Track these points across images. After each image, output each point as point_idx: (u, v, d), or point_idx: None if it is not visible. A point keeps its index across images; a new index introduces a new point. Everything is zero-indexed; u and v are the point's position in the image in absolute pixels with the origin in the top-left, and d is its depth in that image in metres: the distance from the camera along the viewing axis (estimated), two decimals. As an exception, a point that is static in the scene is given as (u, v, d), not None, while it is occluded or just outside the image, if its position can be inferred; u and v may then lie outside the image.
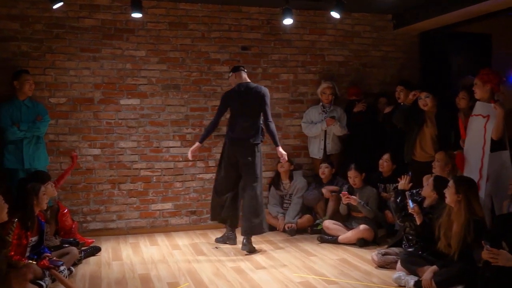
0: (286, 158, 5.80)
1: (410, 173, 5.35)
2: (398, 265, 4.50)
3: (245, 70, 5.76)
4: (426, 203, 4.77)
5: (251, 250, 5.43)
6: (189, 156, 5.65)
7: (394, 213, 5.07)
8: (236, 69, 5.75)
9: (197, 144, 5.64)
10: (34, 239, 4.45)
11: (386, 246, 5.54)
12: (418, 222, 4.57)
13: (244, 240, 5.49)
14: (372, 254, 4.93)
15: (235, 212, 5.78)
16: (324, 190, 6.31)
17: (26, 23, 5.96)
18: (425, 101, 5.68)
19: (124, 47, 6.30)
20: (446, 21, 6.68)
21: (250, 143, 5.53)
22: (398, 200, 4.98)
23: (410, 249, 4.66)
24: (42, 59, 6.04)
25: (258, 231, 5.52)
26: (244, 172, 5.58)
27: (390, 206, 5.92)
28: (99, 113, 6.25)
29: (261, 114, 5.59)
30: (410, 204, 4.68)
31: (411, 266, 4.32)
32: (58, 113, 6.11)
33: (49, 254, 4.47)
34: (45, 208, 4.58)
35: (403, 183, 5.07)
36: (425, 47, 7.39)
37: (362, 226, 5.65)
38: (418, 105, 5.75)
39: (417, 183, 5.26)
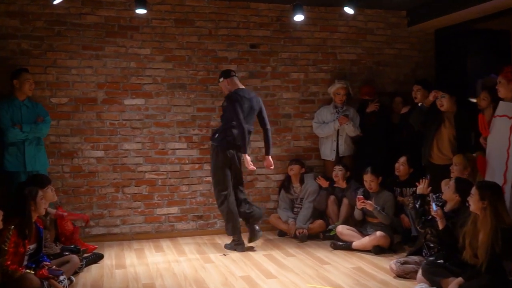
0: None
1: (428, 177, 5.08)
2: (419, 275, 4.22)
3: (236, 75, 5.68)
4: (448, 207, 4.51)
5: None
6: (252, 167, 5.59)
7: (414, 219, 4.79)
8: (227, 75, 5.63)
9: (247, 156, 5.56)
10: (32, 247, 4.19)
11: (403, 253, 5.30)
12: (440, 227, 4.30)
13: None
14: (390, 263, 4.65)
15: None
16: (318, 180, 6.22)
17: (26, 20, 5.74)
18: (441, 101, 5.42)
19: (128, 45, 6.07)
20: (463, 18, 6.39)
21: (240, 149, 5.58)
22: (417, 205, 4.71)
23: (431, 258, 4.37)
24: (43, 57, 5.81)
25: None
26: (236, 177, 5.69)
27: (407, 211, 5.66)
28: (102, 113, 6.02)
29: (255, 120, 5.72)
30: (434, 206, 4.43)
31: (434, 277, 4.03)
32: (59, 114, 5.87)
33: (49, 263, 4.23)
34: (43, 213, 4.33)
35: (422, 187, 4.82)
36: (441, 45, 7.11)
37: (378, 233, 5.37)
38: (436, 105, 5.48)
39: (435, 187, 4.99)
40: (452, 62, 6.93)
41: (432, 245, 4.58)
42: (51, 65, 5.84)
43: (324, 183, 6.21)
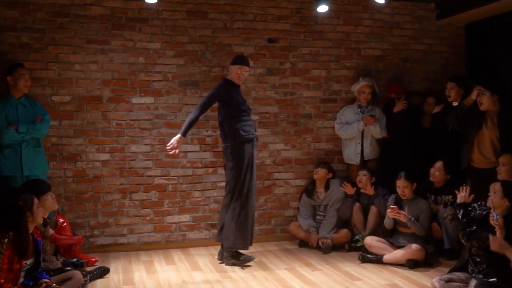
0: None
1: (469, 183, 4.57)
2: (469, 296, 3.71)
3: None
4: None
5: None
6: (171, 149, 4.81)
7: (458, 230, 4.26)
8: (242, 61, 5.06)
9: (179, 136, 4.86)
10: (29, 262, 3.70)
11: (440, 267, 4.84)
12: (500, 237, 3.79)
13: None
14: (432, 280, 4.10)
15: None
16: (344, 187, 5.72)
17: (26, 11, 5.28)
18: (481, 99, 4.92)
19: (137, 39, 5.59)
20: (495, 11, 5.90)
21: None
22: (459, 216, 4.20)
23: (480, 276, 3.86)
24: (44, 51, 5.34)
25: None
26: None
27: (440, 221, 5.15)
28: (108, 113, 5.54)
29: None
30: (495, 215, 3.95)
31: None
32: (61, 113, 5.40)
33: (48, 280, 3.75)
34: (40, 223, 3.84)
35: (463, 195, 4.31)
36: (472, 40, 6.59)
37: (414, 246, 4.85)
38: (477, 103, 4.98)
39: (476, 194, 4.49)
40: (484, 58, 6.42)
41: (478, 259, 4.05)
42: (53, 60, 5.37)
43: (350, 190, 5.70)
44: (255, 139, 5.06)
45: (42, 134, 4.98)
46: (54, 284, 3.76)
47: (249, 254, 5.07)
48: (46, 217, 4.25)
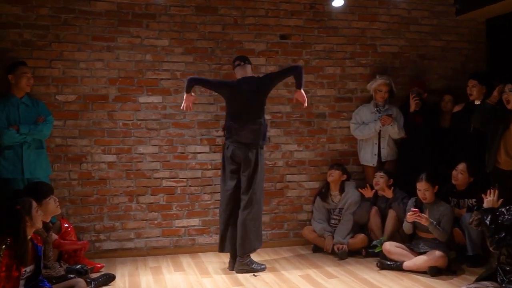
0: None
1: (497, 186, 4.30)
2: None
3: (243, 63, 4.97)
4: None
5: None
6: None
7: (486, 237, 3.99)
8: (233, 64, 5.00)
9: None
10: (29, 269, 3.49)
11: (464, 275, 4.59)
12: None
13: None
14: (459, 290, 3.87)
15: None
16: (362, 190, 5.45)
17: (29, 7, 5.08)
18: (508, 96, 4.65)
19: (144, 36, 5.38)
20: (517, 5, 5.62)
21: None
22: (487, 221, 3.94)
23: (510, 286, 3.59)
24: (47, 49, 5.14)
25: None
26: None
27: (463, 226, 4.88)
28: (114, 113, 5.33)
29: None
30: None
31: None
32: (66, 113, 5.19)
33: (49, 289, 3.53)
34: (40, 227, 3.62)
35: (491, 199, 4.05)
36: (494, 36, 6.31)
37: (437, 253, 4.58)
38: (502, 102, 4.72)
39: (503, 198, 4.22)
40: (507, 55, 6.14)
41: (508, 268, 3.79)
42: (57, 58, 5.17)
43: (369, 193, 5.43)
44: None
45: (44, 135, 4.78)
46: (56, 293, 3.55)
47: (260, 263, 4.84)
48: (48, 221, 4.04)
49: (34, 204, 3.50)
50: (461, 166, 5.07)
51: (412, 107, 5.63)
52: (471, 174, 5.04)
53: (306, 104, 4.94)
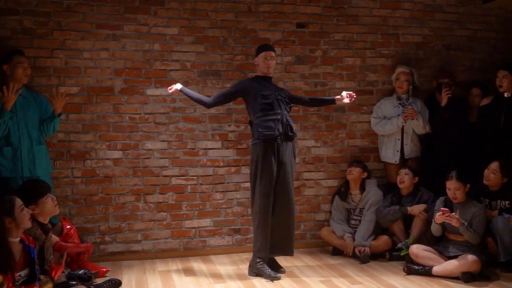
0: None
1: None
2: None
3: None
4: None
5: None
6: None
7: None
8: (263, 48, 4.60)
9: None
10: (23, 273, 3.17)
11: (498, 281, 4.25)
12: None
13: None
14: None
15: None
16: (410, 209, 4.93)
17: (29, -7, 4.76)
18: None
19: (152, 23, 5.04)
20: (550, -8, 5.27)
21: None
22: None
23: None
24: (49, 37, 4.81)
25: None
26: None
27: (493, 227, 4.51)
28: (120, 106, 5.00)
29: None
30: None
31: None
32: (69, 106, 4.84)
33: (48, 297, 3.19)
34: (28, 226, 3.27)
35: None
36: (524, 25, 5.95)
37: (470, 257, 4.22)
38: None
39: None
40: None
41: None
42: (59, 47, 4.84)
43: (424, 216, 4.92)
44: (279, 137, 4.40)
45: (51, 135, 4.59)
46: (55, 303, 3.22)
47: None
48: (47, 222, 3.70)
49: (19, 202, 3.17)
50: (494, 165, 4.69)
51: (444, 100, 5.24)
52: (505, 174, 4.66)
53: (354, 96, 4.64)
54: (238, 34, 5.25)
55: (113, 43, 4.96)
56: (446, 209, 4.34)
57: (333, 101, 4.71)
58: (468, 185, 4.48)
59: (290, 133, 4.45)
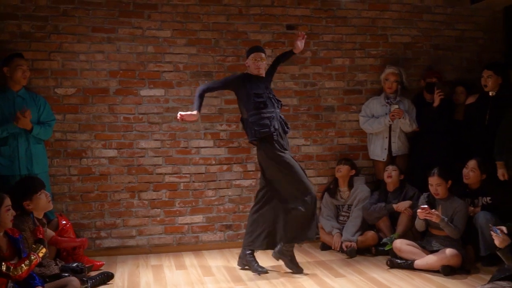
0: None
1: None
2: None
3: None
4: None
5: None
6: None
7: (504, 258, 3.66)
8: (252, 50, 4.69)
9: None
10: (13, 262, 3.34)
11: (478, 274, 4.36)
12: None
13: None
14: (473, 291, 3.64)
15: None
16: (396, 207, 5.06)
17: (27, -2, 4.96)
18: None
19: (145, 26, 5.22)
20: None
21: None
22: None
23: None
24: (46, 41, 5.01)
25: None
26: None
27: (475, 222, 4.63)
28: (115, 106, 5.18)
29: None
30: (495, 230, 3.54)
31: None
32: (65, 107, 5.06)
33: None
34: (8, 227, 3.42)
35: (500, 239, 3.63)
36: (511, 25, 6.03)
37: (449, 251, 4.36)
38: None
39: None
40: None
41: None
42: (56, 50, 5.03)
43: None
44: (275, 133, 4.49)
45: (47, 138, 4.76)
46: (47, 293, 3.40)
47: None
48: (41, 217, 3.89)
49: (7, 202, 3.33)
50: (472, 163, 4.81)
51: (437, 101, 5.34)
52: (483, 170, 4.78)
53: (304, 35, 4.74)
54: (229, 36, 5.41)
55: (108, 45, 5.14)
56: (426, 206, 4.48)
57: (291, 52, 4.78)
58: (450, 182, 4.61)
59: (286, 128, 4.59)
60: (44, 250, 3.44)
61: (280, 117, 4.58)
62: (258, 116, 4.47)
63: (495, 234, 3.52)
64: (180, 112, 4.34)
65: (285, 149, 4.54)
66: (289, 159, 4.46)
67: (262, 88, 4.59)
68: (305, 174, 4.55)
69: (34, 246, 3.38)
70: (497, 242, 3.51)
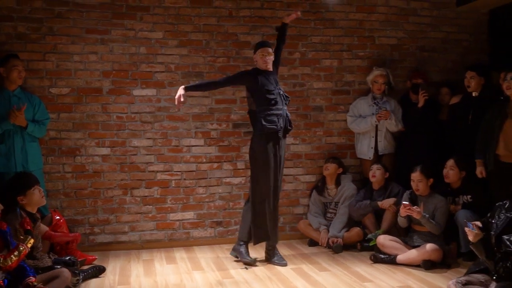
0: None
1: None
2: (489, 300, 3.36)
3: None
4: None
5: None
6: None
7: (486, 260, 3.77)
8: (259, 45, 4.86)
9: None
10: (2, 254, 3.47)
11: (458, 269, 4.52)
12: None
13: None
14: (448, 283, 3.75)
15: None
16: (381, 204, 5.20)
17: (23, 0, 5.08)
18: (509, 84, 4.55)
19: (138, 28, 5.36)
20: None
21: None
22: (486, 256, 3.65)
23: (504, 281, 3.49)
24: (41, 42, 5.15)
25: None
26: None
27: (456, 220, 4.76)
28: (109, 105, 5.32)
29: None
30: (469, 225, 3.64)
31: (512, 304, 3.17)
32: (60, 106, 5.20)
33: (33, 279, 3.51)
34: None
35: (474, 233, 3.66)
36: (496, 27, 6.18)
37: (429, 246, 4.51)
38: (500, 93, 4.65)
39: (501, 192, 4.14)
40: (509, 47, 6.00)
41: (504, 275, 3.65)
42: (51, 51, 5.18)
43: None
44: (280, 131, 4.67)
45: (41, 136, 4.90)
46: (40, 284, 3.53)
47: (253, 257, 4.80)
48: (35, 212, 4.03)
49: None
50: (450, 163, 4.95)
51: (421, 102, 5.49)
52: (462, 168, 4.92)
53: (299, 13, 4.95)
54: (220, 37, 5.56)
55: (102, 47, 5.29)
56: (407, 203, 4.63)
57: (284, 25, 4.98)
58: (431, 180, 4.75)
59: (289, 127, 4.75)
60: (32, 240, 3.57)
61: (287, 114, 4.73)
62: (267, 112, 4.62)
63: (468, 229, 3.65)
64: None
65: (279, 153, 4.69)
66: (270, 166, 4.63)
67: (273, 83, 4.72)
68: (277, 184, 4.72)
69: (22, 237, 3.50)
70: (470, 237, 3.64)
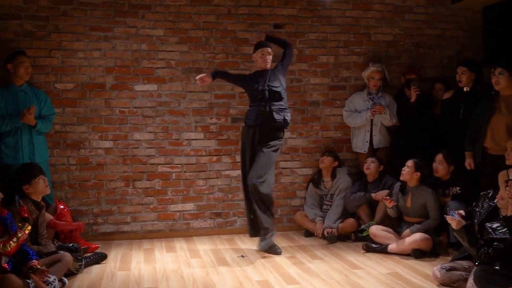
0: None
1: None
2: (470, 284, 3.51)
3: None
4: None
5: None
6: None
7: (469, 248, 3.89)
8: (258, 45, 5.05)
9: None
10: (4, 239, 3.65)
11: (448, 257, 4.61)
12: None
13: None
14: (433, 269, 3.93)
15: None
16: (374, 195, 5.36)
17: (30, -1, 5.29)
18: (497, 79, 4.67)
19: (140, 26, 5.55)
20: (516, -8, 5.62)
21: None
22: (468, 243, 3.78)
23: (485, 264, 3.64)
24: (47, 39, 5.35)
25: None
26: None
27: (445, 211, 4.89)
28: (111, 100, 5.51)
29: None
30: (451, 213, 3.80)
31: (490, 286, 3.31)
32: (65, 101, 5.40)
33: (36, 262, 3.70)
34: None
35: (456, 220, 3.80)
36: (490, 24, 6.29)
37: (419, 236, 4.66)
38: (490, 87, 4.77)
39: (489, 183, 4.28)
40: (504, 44, 6.11)
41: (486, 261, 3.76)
42: (56, 47, 5.37)
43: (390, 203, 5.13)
44: (257, 125, 4.85)
45: (47, 131, 5.09)
46: (43, 267, 3.73)
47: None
48: (39, 200, 4.23)
49: None
50: (439, 157, 5.09)
51: (413, 97, 5.62)
52: (450, 162, 5.06)
53: None
54: (219, 34, 5.73)
55: (105, 43, 5.48)
56: (387, 197, 4.84)
57: (267, 39, 5.12)
58: (419, 173, 4.89)
59: (273, 123, 4.84)
60: (29, 227, 3.73)
61: (270, 109, 4.80)
62: (250, 107, 4.94)
63: (450, 217, 3.80)
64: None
65: (256, 145, 4.85)
66: (245, 155, 4.93)
67: (264, 80, 4.87)
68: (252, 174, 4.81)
69: (19, 224, 3.68)
70: (453, 224, 3.78)
